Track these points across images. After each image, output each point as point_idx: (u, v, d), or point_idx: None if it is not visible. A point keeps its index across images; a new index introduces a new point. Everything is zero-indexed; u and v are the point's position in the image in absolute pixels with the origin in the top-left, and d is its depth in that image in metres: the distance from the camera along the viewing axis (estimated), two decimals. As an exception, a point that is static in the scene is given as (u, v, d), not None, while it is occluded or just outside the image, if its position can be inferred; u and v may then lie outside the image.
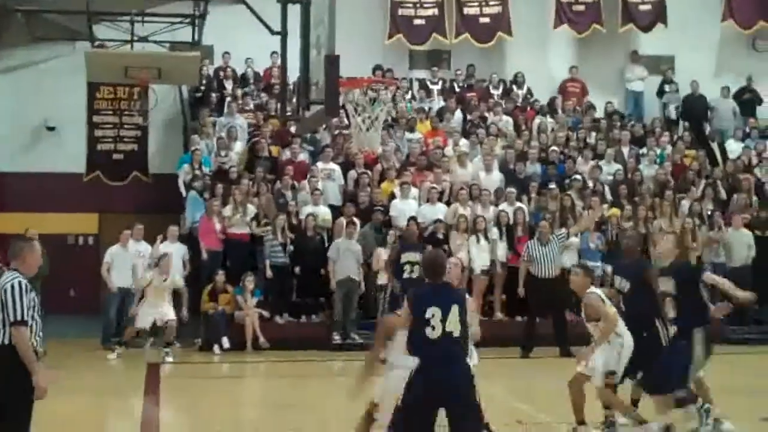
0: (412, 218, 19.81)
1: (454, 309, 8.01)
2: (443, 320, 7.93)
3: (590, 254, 20.29)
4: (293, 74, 17.40)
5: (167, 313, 18.03)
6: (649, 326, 11.00)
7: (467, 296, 8.80)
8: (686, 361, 10.67)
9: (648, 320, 11.06)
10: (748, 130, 25.91)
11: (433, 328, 7.91)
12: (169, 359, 17.55)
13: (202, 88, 23.76)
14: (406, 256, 17.51)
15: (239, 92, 23.84)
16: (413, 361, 7.96)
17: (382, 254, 19.04)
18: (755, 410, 11.68)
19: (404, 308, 8.26)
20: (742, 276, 20.25)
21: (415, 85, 25.81)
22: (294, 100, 19.61)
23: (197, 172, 21.15)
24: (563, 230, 19.57)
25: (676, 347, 10.83)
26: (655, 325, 11.03)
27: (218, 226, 19.73)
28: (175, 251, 19.38)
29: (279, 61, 18.44)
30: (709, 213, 21.70)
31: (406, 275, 17.28)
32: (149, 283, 18.12)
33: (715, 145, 25.22)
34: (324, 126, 22.18)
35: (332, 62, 13.43)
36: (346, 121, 20.73)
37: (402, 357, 8.34)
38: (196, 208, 20.36)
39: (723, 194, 22.70)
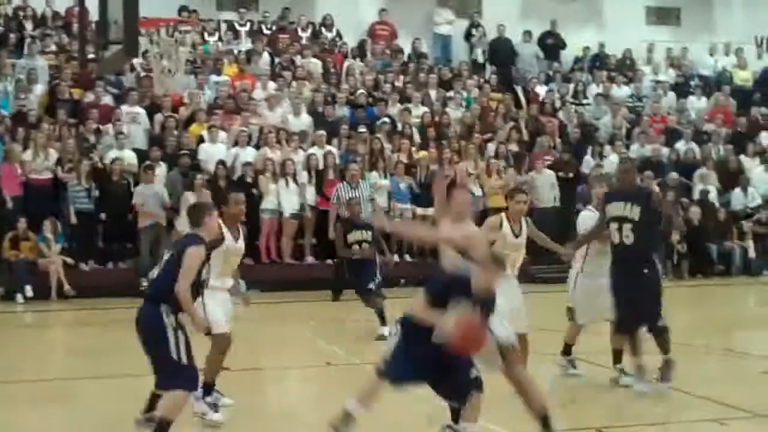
0: (221, 162, 19.63)
1: None
2: None
3: (400, 196, 20.50)
4: (95, 14, 16.86)
5: None
6: (651, 261, 10.48)
7: None
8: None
9: (650, 253, 10.55)
10: (551, 73, 26.48)
11: None
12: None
13: (1, 28, 22.85)
14: (353, 236, 15.26)
15: (39, 33, 23.02)
16: None
17: (190, 198, 18.80)
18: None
19: None
20: (547, 216, 20.84)
21: (223, 27, 25.38)
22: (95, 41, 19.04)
23: (-5, 115, 20.43)
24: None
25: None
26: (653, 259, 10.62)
27: (19, 171, 19.10)
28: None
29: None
30: (514, 155, 22.11)
31: (356, 256, 15.13)
32: None
33: (519, 89, 25.70)
34: (129, 68, 21.69)
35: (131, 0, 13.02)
36: (152, 64, 20.29)
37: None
38: (-5, 153, 19.68)
39: (527, 137, 23.17)
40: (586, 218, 11.12)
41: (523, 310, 10.03)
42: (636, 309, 10.20)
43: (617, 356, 10.71)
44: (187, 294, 8.02)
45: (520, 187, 13.05)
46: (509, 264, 9.63)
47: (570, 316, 11.17)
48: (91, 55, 19.71)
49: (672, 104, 26.22)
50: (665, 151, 23.75)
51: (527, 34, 26.88)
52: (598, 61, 27.48)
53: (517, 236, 10.15)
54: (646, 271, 10.22)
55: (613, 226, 10.31)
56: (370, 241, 15.01)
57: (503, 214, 10.29)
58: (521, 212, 10.26)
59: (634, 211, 10.17)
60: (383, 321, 13.61)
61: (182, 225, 14.59)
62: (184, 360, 8.02)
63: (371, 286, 14.40)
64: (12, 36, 22.84)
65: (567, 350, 11.26)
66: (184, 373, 8.03)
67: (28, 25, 23.36)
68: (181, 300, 7.98)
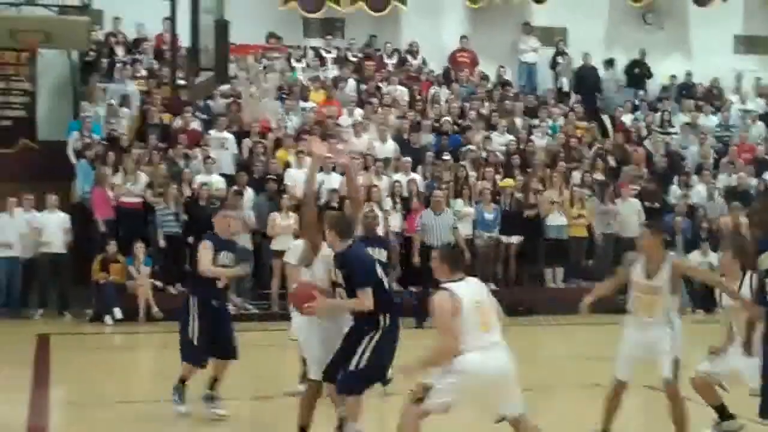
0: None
1: None
2: None
3: (485, 224, 20.50)
4: (186, 41, 17.14)
5: None
6: None
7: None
8: None
9: None
10: (637, 102, 26.34)
11: None
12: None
13: (93, 53, 23.27)
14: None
15: (130, 58, 23.42)
16: None
17: (277, 218, 18.93)
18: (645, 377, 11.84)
19: None
20: (633, 246, 20.62)
21: (310, 53, 25.60)
22: (185, 67, 19.35)
23: (87, 139, 20.79)
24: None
25: None
26: None
27: (110, 195, 19.43)
28: (55, 220, 19.36)
29: (170, 27, 18.16)
30: (599, 184, 22.00)
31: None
32: None
33: (606, 117, 25.58)
34: (218, 94, 21.98)
35: (221, 28, 13.27)
36: (240, 90, 20.56)
37: None
38: (86, 177, 20.04)
39: (613, 165, 23.04)
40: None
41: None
42: None
43: None
44: None
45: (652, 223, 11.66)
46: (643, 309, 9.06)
47: None
48: (181, 81, 20.17)
49: (761, 133, 25.90)
50: (753, 181, 23.46)
51: (612, 62, 26.73)
52: (685, 90, 27.26)
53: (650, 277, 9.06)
54: None
55: None
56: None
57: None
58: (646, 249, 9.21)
59: None
60: None
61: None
62: None
63: None
64: (104, 61, 23.27)
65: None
66: None
67: (120, 51, 23.76)
68: None
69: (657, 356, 8.99)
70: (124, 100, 21.91)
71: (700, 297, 19.63)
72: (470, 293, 8.02)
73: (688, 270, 9.51)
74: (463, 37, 26.63)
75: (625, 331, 9.37)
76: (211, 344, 10.66)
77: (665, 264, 9.05)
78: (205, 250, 10.76)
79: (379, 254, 12.24)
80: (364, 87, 24.43)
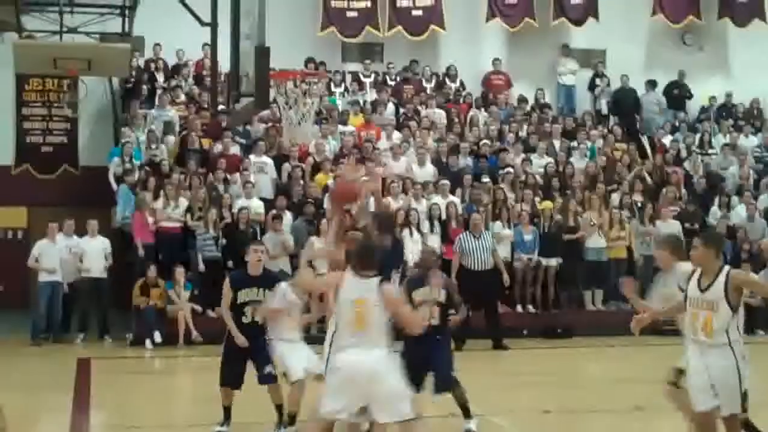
0: (347, 211, 19.77)
1: None
2: None
3: (524, 246, 20.47)
4: (225, 66, 17.28)
5: None
6: None
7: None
8: None
9: None
10: (677, 123, 26.25)
11: None
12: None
13: (133, 79, 23.49)
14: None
15: (170, 84, 23.61)
16: None
17: (316, 242, 19.00)
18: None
19: None
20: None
21: (348, 78, 25.73)
22: (225, 92, 19.49)
23: (128, 165, 20.97)
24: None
25: None
26: None
27: (150, 220, 19.57)
28: (96, 246, 19.56)
29: (210, 53, 18.30)
30: (639, 206, 21.90)
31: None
32: None
33: (645, 139, 25.49)
34: (257, 119, 22.11)
35: (262, 54, 13.34)
36: (279, 114, 20.63)
37: None
38: (127, 202, 20.19)
39: (652, 187, 22.94)
40: None
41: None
42: None
43: None
44: None
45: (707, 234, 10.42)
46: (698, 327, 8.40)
47: None
48: (221, 107, 20.32)
49: (801, 154, 25.74)
50: (795, 202, 23.27)
51: (649, 83, 26.66)
52: (724, 111, 27.13)
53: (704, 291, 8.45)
54: None
55: None
56: None
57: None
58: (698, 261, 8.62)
59: None
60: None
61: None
62: None
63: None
64: (144, 87, 23.47)
65: None
66: None
67: (160, 77, 23.97)
68: None
69: (721, 390, 8.28)
70: (165, 126, 22.09)
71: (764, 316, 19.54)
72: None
73: (747, 282, 8.61)
74: (495, 60, 26.64)
75: (687, 358, 8.66)
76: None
77: (721, 276, 8.35)
78: (225, 290, 11.16)
79: (439, 294, 10.98)
80: (402, 110, 24.50)
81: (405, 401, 8.13)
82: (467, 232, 19.40)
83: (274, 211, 19.87)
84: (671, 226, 21.25)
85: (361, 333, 8.09)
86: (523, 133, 24.26)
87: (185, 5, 16.77)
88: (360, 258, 8.38)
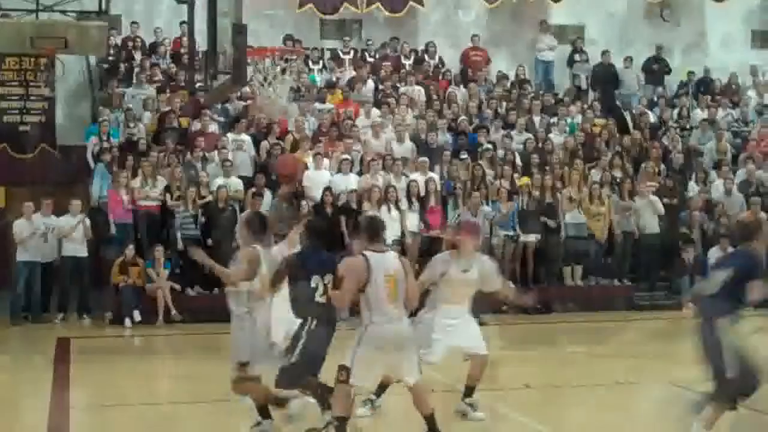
0: (327, 188, 19.87)
1: None
2: None
3: (503, 222, 20.50)
4: (203, 44, 17.21)
5: None
6: None
7: None
8: None
9: None
10: (655, 99, 26.26)
11: None
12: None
13: (110, 58, 23.36)
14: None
15: (147, 63, 23.49)
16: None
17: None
18: (664, 375, 11.86)
19: None
20: (652, 243, 20.83)
21: (326, 55, 25.64)
22: (202, 70, 19.41)
23: (105, 143, 20.88)
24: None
25: None
26: None
27: (126, 198, 19.51)
28: (74, 224, 19.47)
29: (187, 31, 18.22)
30: (618, 181, 21.93)
31: None
32: None
33: (626, 114, 25.48)
34: (235, 96, 22.03)
35: (239, 31, 13.32)
36: (256, 90, 20.62)
37: None
38: (104, 181, 20.13)
39: (631, 162, 22.97)
40: None
41: None
42: None
43: None
44: None
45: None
46: None
47: None
48: (198, 84, 20.23)
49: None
50: (772, 176, 23.34)
51: (628, 59, 26.66)
52: (702, 86, 27.15)
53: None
54: None
55: None
56: None
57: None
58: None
59: None
60: None
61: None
62: None
63: None
64: (121, 66, 23.35)
65: None
66: None
67: (137, 55, 23.83)
68: None
69: None
70: (142, 105, 21.98)
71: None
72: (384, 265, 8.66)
73: None
74: (474, 36, 26.56)
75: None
76: None
77: None
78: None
79: None
80: (381, 87, 24.44)
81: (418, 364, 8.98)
82: (464, 209, 19.70)
83: (253, 189, 19.82)
84: (650, 202, 21.35)
85: (393, 305, 8.60)
86: (502, 110, 24.22)
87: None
88: (370, 233, 8.79)
